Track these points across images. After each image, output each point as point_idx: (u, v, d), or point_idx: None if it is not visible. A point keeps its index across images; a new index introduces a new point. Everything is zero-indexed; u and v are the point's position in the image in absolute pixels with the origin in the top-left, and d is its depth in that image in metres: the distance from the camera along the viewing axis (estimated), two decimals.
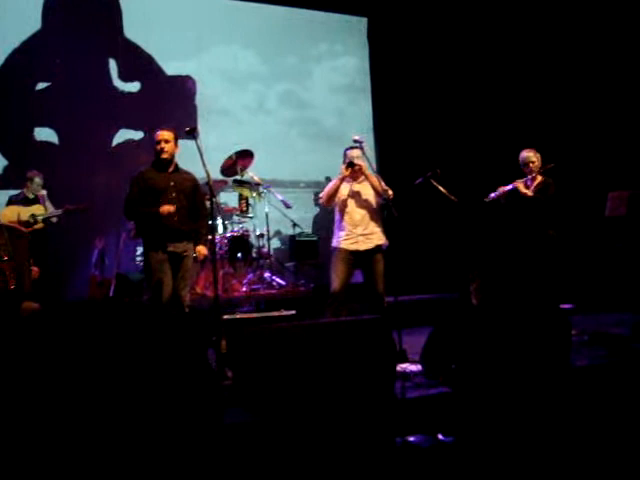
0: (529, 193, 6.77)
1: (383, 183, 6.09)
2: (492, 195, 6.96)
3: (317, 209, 10.03)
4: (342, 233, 6.18)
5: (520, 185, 6.80)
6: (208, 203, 5.81)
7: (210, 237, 6.07)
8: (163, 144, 5.69)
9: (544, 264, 6.59)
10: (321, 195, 6.36)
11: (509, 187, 6.85)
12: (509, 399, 4.24)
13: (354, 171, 6.14)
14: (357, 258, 6.14)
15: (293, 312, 5.46)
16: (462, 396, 4.30)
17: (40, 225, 7.50)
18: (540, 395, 4.30)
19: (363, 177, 6.24)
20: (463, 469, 3.33)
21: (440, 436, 3.57)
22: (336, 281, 6.07)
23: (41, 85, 8.83)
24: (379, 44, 10.93)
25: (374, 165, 6.75)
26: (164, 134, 5.73)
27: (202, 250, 5.94)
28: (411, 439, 3.43)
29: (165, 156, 5.71)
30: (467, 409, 4.11)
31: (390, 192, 6.10)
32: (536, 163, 6.84)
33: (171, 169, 5.79)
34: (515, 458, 3.60)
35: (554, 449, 3.72)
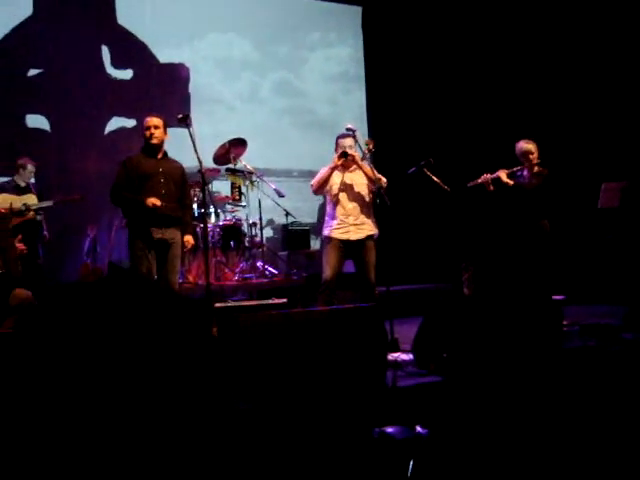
0: (510, 183, 6.75)
1: (376, 172, 6.08)
2: (476, 181, 6.90)
3: (310, 198, 10.01)
4: (334, 222, 6.17)
5: (502, 174, 6.78)
6: (200, 191, 5.82)
7: (202, 225, 6.06)
8: (153, 130, 5.71)
9: (536, 255, 6.59)
10: (312, 183, 6.33)
11: (493, 175, 6.81)
12: (501, 387, 4.25)
13: (346, 160, 6.12)
14: (348, 247, 6.13)
15: (284, 300, 5.46)
16: (453, 384, 4.31)
17: (33, 214, 7.45)
18: (531, 383, 4.31)
19: (355, 166, 6.22)
20: (438, 461, 3.34)
21: (418, 428, 3.57)
22: (328, 270, 6.07)
23: (33, 72, 8.77)
24: (373, 33, 10.90)
25: (368, 154, 6.72)
26: (153, 120, 5.74)
27: (190, 240, 5.97)
28: (388, 430, 3.43)
29: (155, 141, 5.72)
30: (458, 397, 4.12)
31: (384, 180, 6.10)
32: (535, 155, 6.81)
33: (160, 156, 5.81)
34: (506, 446, 3.61)
35: (546, 438, 3.73)
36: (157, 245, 5.68)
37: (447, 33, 10.38)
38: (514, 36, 9.80)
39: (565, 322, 5.69)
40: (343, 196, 6.17)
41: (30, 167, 7.60)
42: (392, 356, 5.14)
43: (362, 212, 6.17)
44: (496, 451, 3.56)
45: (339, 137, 6.24)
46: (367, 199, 6.21)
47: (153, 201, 5.57)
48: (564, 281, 7.15)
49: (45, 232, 7.63)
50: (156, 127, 5.72)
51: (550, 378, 4.44)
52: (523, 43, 9.73)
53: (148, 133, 5.71)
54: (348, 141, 6.15)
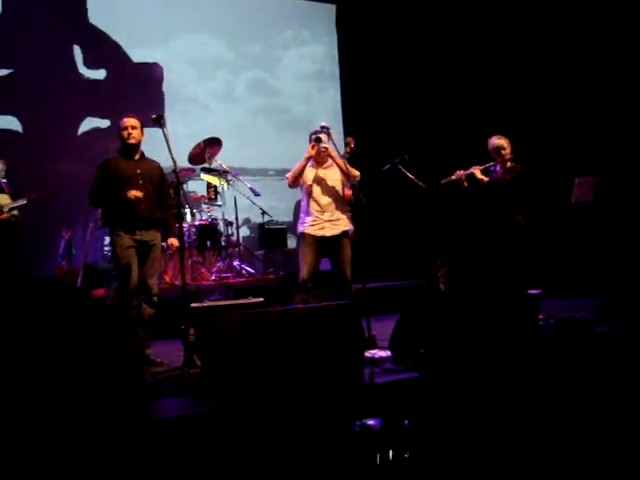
0: (484, 179, 6.78)
1: (349, 166, 6.09)
2: (450, 178, 6.93)
3: (286, 197, 10.01)
4: (308, 219, 6.17)
5: (476, 171, 6.81)
6: (175, 191, 5.78)
7: (178, 225, 6.03)
8: (130, 130, 5.64)
9: (511, 250, 6.63)
10: (287, 175, 6.33)
11: (467, 172, 6.84)
12: (478, 381, 4.28)
13: (320, 153, 6.13)
14: (324, 245, 6.13)
15: (261, 299, 5.44)
16: (431, 380, 4.33)
17: (6, 215, 7.38)
18: (508, 376, 4.34)
19: (329, 162, 6.23)
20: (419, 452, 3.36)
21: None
22: (304, 268, 6.07)
23: (3, 72, 8.68)
24: (348, 31, 10.93)
25: (342, 151, 6.73)
26: (130, 121, 5.68)
27: (174, 242, 5.90)
28: (369, 423, 3.45)
29: (132, 142, 5.66)
30: (436, 392, 4.14)
31: (357, 174, 6.12)
32: (507, 150, 6.84)
33: (137, 157, 5.74)
34: (485, 438, 3.63)
35: (524, 430, 3.76)
36: (138, 246, 5.63)
37: (420, 31, 10.43)
38: (486, 34, 9.86)
39: (541, 316, 5.73)
40: (317, 192, 6.17)
41: (1, 166, 7.52)
42: (369, 353, 5.14)
43: (337, 208, 6.18)
44: (475, 443, 3.58)
45: (312, 133, 6.26)
46: (341, 194, 6.22)
47: (134, 193, 5.50)
48: (540, 275, 7.21)
49: (21, 235, 7.56)
50: (133, 127, 5.66)
51: (526, 372, 4.47)
52: (494, 41, 9.79)
53: (126, 134, 5.65)
54: (321, 135, 6.18)
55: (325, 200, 6.16)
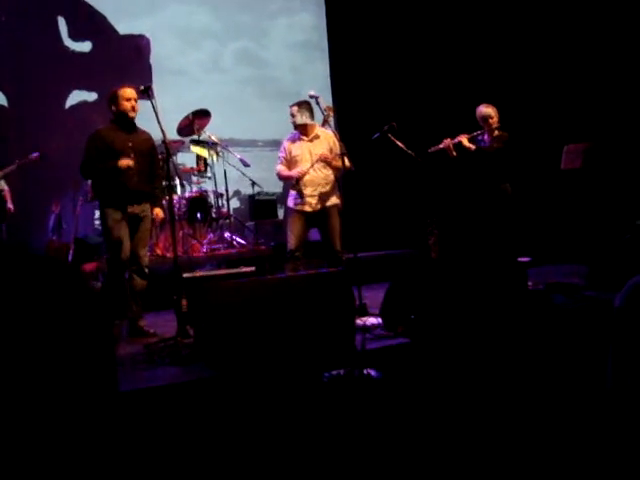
0: (472, 147, 6.80)
1: (338, 144, 6.14)
2: (438, 146, 6.95)
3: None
4: (295, 193, 6.23)
5: (464, 139, 6.83)
6: (164, 163, 5.77)
7: (168, 198, 6.03)
8: (133, 102, 5.59)
9: (500, 217, 6.67)
10: (277, 171, 6.40)
11: (454, 140, 6.86)
12: (467, 346, 4.33)
13: (306, 127, 6.23)
14: (311, 216, 6.20)
15: (252, 269, 5.48)
16: (421, 345, 4.38)
17: None
18: (497, 341, 4.39)
19: (315, 133, 6.29)
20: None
21: (371, 372, 3.67)
22: (292, 238, 6.15)
23: None
24: (335, 0, 10.84)
25: (329, 120, 6.75)
26: (133, 92, 5.59)
27: (159, 213, 5.91)
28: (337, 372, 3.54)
29: (133, 115, 5.62)
30: (426, 357, 4.20)
31: (347, 165, 6.14)
32: (494, 119, 6.87)
33: (130, 129, 5.70)
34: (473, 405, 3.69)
35: (512, 397, 3.81)
36: (129, 218, 5.62)
37: (408, 1, 10.36)
38: (473, 2, 9.82)
39: (530, 282, 5.79)
40: (304, 166, 6.20)
41: None
42: (361, 320, 5.19)
43: (323, 182, 6.22)
44: (465, 408, 3.63)
45: (290, 106, 6.31)
46: (328, 169, 6.25)
47: (125, 162, 5.48)
48: (530, 243, 7.26)
49: (10, 205, 7.56)
50: (136, 100, 5.61)
51: (516, 336, 4.53)
52: (482, 8, 9.75)
53: (130, 105, 5.56)
54: (292, 110, 6.29)
55: (313, 174, 6.19)
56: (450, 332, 4.52)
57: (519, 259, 5.96)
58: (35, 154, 7.64)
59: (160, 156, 6.05)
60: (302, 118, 6.23)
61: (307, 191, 6.18)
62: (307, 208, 6.20)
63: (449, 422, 3.46)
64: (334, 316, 4.42)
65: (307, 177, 6.17)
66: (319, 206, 6.20)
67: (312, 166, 6.15)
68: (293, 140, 6.35)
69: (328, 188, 6.25)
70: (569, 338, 4.64)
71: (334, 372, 3.66)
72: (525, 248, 6.79)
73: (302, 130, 6.30)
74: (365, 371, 3.66)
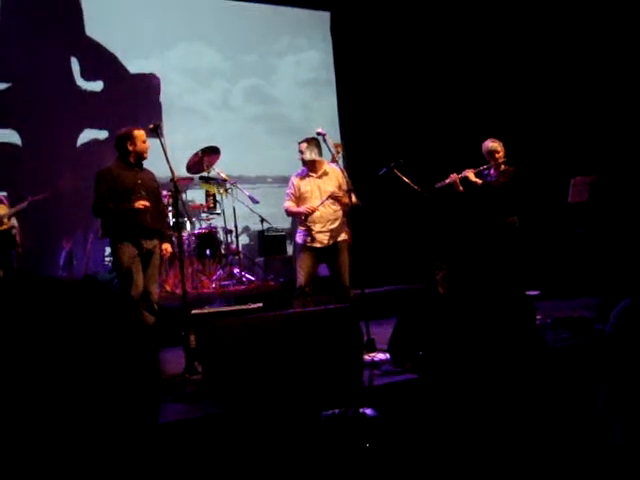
0: (478, 182, 6.84)
1: (346, 178, 6.17)
2: (444, 182, 6.99)
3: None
4: (303, 229, 6.23)
5: (470, 174, 6.87)
6: (173, 200, 5.84)
7: (178, 234, 6.07)
8: (147, 143, 5.69)
9: (507, 251, 6.68)
10: (285, 207, 6.41)
11: (461, 175, 6.90)
12: (476, 383, 4.31)
13: (314, 164, 6.27)
14: (321, 252, 6.20)
15: (260, 305, 5.49)
16: (429, 381, 4.36)
17: (6, 226, 7.45)
18: (506, 378, 4.37)
19: (323, 169, 6.31)
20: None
21: (367, 410, 3.65)
22: (302, 275, 6.15)
23: (1, 86, 8.75)
24: (342, 38, 10.97)
25: (335, 156, 6.80)
26: (144, 134, 5.71)
27: (168, 248, 5.95)
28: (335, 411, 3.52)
29: (147, 156, 5.71)
30: (434, 393, 4.18)
31: (354, 201, 6.16)
32: (501, 153, 6.93)
33: (138, 167, 5.77)
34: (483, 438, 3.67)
35: (522, 431, 3.79)
36: (141, 255, 5.66)
37: (414, 36, 10.47)
38: (478, 38, 9.92)
39: (539, 316, 5.77)
40: (314, 203, 6.21)
41: None
42: (369, 356, 5.19)
43: (332, 219, 6.24)
44: (472, 444, 3.61)
45: (299, 142, 6.36)
46: (337, 205, 6.26)
47: (143, 203, 5.54)
48: (539, 277, 7.25)
49: (19, 248, 7.62)
50: (145, 141, 5.71)
51: (524, 372, 4.51)
52: (487, 43, 9.85)
53: (145, 147, 5.67)
54: (301, 146, 6.32)
55: (321, 209, 6.20)
56: (458, 368, 4.50)
57: (528, 293, 5.94)
58: (46, 192, 7.73)
59: (169, 193, 6.11)
60: (311, 155, 6.26)
61: (316, 227, 6.19)
62: (318, 244, 6.20)
63: (454, 457, 3.45)
64: (342, 352, 4.42)
65: (317, 213, 6.17)
66: (330, 242, 6.21)
67: (322, 203, 6.16)
68: (302, 176, 6.36)
69: (337, 224, 6.27)
70: (576, 373, 4.61)
71: (330, 411, 3.65)
72: (534, 282, 6.78)
73: (311, 166, 6.32)
74: (361, 410, 3.65)
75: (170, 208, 7.45)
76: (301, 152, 6.29)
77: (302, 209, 6.20)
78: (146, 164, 5.94)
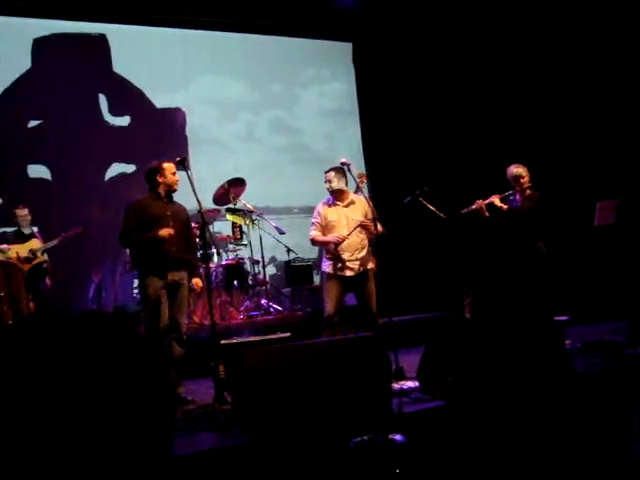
0: (504, 207, 6.85)
1: (371, 207, 6.19)
2: (470, 208, 7.00)
3: None
4: (330, 258, 6.22)
5: (496, 200, 6.88)
6: (200, 232, 5.89)
7: (205, 266, 6.12)
8: (177, 176, 5.78)
9: (534, 276, 6.65)
10: (312, 236, 6.42)
11: (486, 201, 6.92)
12: (505, 408, 4.29)
13: (342, 193, 6.27)
14: (348, 281, 6.20)
15: (288, 334, 5.50)
16: (458, 408, 4.35)
17: (40, 259, 7.58)
18: (535, 403, 4.35)
19: (350, 199, 6.33)
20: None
21: (397, 437, 3.64)
22: (329, 304, 6.13)
23: (32, 123, 8.95)
24: (365, 68, 11.08)
25: (358, 185, 6.84)
26: (174, 167, 5.80)
27: (198, 282, 5.97)
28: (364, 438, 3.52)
29: (177, 188, 5.79)
30: (463, 420, 4.16)
31: (380, 229, 6.16)
32: (526, 178, 6.93)
33: (166, 199, 5.84)
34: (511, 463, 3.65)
35: (549, 457, 3.76)
36: (168, 287, 5.71)
37: (434, 66, 10.55)
38: (501, 66, 9.97)
39: (568, 341, 5.72)
40: (339, 231, 6.21)
41: (19, 211, 7.71)
42: (398, 384, 5.18)
43: (360, 247, 6.24)
44: (501, 470, 3.60)
45: (326, 172, 6.38)
46: (364, 233, 6.27)
47: (167, 231, 5.58)
48: (568, 301, 7.20)
49: (48, 281, 7.73)
50: (175, 173, 5.80)
51: (553, 398, 4.48)
52: (510, 71, 9.89)
53: (175, 179, 5.76)
54: (329, 175, 6.31)
55: (349, 238, 6.20)
56: (487, 394, 4.49)
57: (557, 318, 5.91)
58: (78, 228, 7.84)
59: (196, 225, 6.16)
60: (339, 183, 6.28)
61: (345, 256, 6.18)
62: (348, 273, 6.19)
63: None
64: (370, 380, 4.43)
65: (345, 242, 6.16)
66: (359, 270, 6.21)
67: (352, 232, 6.16)
68: (328, 205, 6.37)
69: (365, 252, 6.27)
70: (606, 399, 4.57)
71: (358, 438, 3.65)
72: (563, 307, 6.74)
73: (338, 195, 6.33)
74: (390, 436, 3.64)
75: (198, 240, 7.52)
76: (329, 181, 6.30)
77: (331, 238, 6.19)
78: (175, 196, 6.01)
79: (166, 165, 5.76)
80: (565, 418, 4.26)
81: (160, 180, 5.74)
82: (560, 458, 3.69)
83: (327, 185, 6.34)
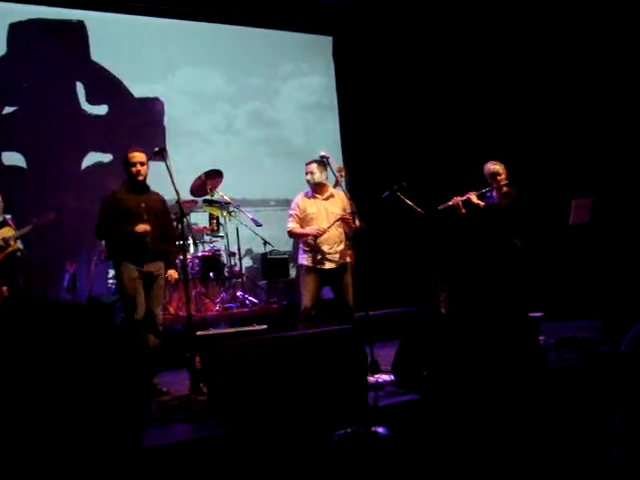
0: (481, 203, 6.89)
1: (350, 201, 6.21)
2: (447, 204, 7.04)
3: None
4: (307, 251, 6.23)
5: (473, 196, 6.92)
6: (178, 223, 5.87)
7: (182, 257, 6.09)
8: (139, 166, 5.69)
9: (510, 273, 6.70)
10: (289, 228, 6.41)
11: (463, 198, 6.95)
12: (480, 403, 4.32)
13: (319, 185, 6.30)
14: (324, 274, 6.21)
15: (265, 327, 5.50)
16: (433, 402, 4.38)
17: (12, 248, 7.48)
18: (510, 398, 4.38)
19: (329, 192, 6.34)
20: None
21: (380, 429, 3.67)
22: (306, 297, 6.15)
23: (7, 109, 8.83)
24: (344, 62, 11.08)
25: (338, 179, 6.84)
26: (140, 156, 5.71)
27: (174, 274, 5.95)
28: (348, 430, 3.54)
29: (141, 178, 5.72)
30: (438, 413, 4.19)
31: (357, 224, 6.16)
32: (502, 175, 6.97)
33: (142, 190, 5.81)
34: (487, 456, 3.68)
35: (525, 449, 3.80)
36: (143, 277, 5.69)
37: (414, 61, 10.57)
38: (479, 61, 10.01)
39: (542, 337, 5.78)
40: (317, 224, 6.23)
41: None
42: (373, 377, 5.21)
43: (338, 240, 6.25)
44: (476, 463, 3.62)
45: (306, 163, 6.39)
46: (342, 227, 6.29)
47: (143, 227, 5.57)
48: (542, 298, 7.26)
49: (24, 271, 7.65)
50: (142, 163, 5.69)
51: (527, 392, 4.52)
52: (487, 66, 9.93)
53: (134, 170, 5.69)
54: (311, 167, 6.31)
55: (329, 231, 6.21)
56: (461, 388, 4.52)
57: (531, 314, 5.96)
58: (51, 214, 7.76)
59: (174, 216, 6.14)
60: (321, 176, 6.29)
61: (324, 248, 6.20)
62: (328, 265, 6.20)
63: (457, 475, 3.46)
64: (346, 373, 4.44)
65: (325, 235, 6.18)
66: (339, 262, 6.23)
67: (332, 225, 6.16)
68: (307, 197, 6.37)
69: (343, 246, 6.29)
70: (581, 395, 4.62)
71: (342, 431, 3.67)
72: (537, 303, 6.80)
73: (318, 188, 6.34)
74: (373, 429, 3.66)
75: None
76: (311, 173, 6.29)
77: (311, 230, 6.19)
78: (151, 187, 5.98)
79: (128, 156, 5.74)
80: (540, 411, 4.30)
81: (125, 172, 5.74)
82: (536, 452, 3.73)
83: (309, 177, 6.34)
